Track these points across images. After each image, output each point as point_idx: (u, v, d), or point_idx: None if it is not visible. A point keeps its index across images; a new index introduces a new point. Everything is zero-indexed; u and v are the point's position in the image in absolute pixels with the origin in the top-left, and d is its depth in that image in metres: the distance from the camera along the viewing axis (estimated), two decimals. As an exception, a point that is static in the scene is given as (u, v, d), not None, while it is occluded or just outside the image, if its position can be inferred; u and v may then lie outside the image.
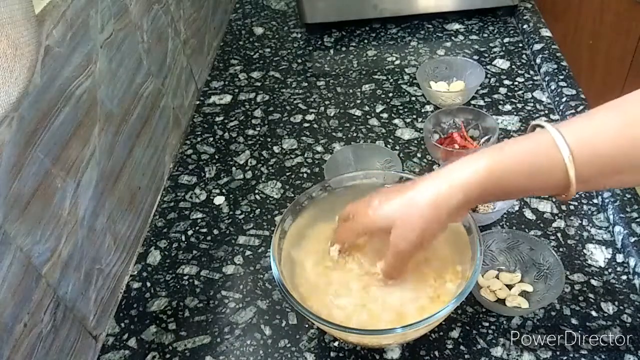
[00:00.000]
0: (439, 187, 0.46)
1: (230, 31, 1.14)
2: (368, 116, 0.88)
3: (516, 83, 0.91)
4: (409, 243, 0.48)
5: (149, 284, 0.67)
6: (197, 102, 0.95)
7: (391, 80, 0.95)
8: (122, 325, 0.63)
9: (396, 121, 0.86)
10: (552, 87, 0.86)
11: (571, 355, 0.55)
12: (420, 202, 0.46)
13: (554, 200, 0.70)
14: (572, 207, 0.69)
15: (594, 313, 0.58)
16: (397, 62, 1.00)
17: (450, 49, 1.01)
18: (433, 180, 0.47)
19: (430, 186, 0.46)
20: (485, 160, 0.44)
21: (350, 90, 0.94)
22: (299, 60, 1.04)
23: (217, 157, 0.84)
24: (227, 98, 0.96)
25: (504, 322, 0.58)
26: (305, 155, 0.82)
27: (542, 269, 0.59)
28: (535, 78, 0.91)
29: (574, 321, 0.57)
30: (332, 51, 1.05)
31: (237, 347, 0.59)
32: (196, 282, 0.66)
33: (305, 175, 0.79)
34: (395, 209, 0.48)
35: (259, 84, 0.98)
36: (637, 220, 0.63)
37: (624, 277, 0.61)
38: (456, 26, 1.07)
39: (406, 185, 0.49)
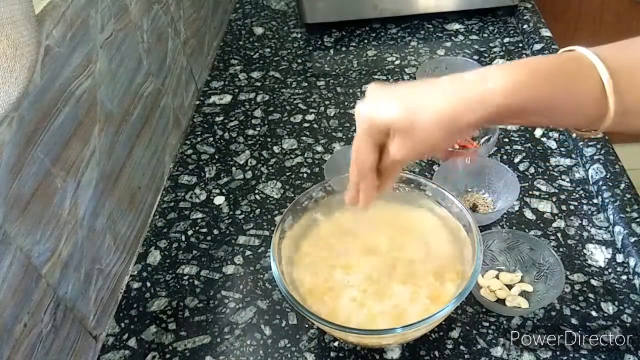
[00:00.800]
0: (459, 98, 0.38)
1: (230, 31, 1.14)
2: (368, 116, 0.88)
3: (516, 83, 0.91)
4: (410, 154, 0.41)
5: (149, 284, 0.67)
6: (197, 102, 0.95)
7: (391, 80, 0.95)
8: (122, 325, 0.63)
9: (396, 121, 0.86)
10: (552, 87, 0.86)
11: (571, 355, 0.55)
12: (434, 110, 0.38)
13: (554, 200, 0.70)
14: (572, 207, 0.69)
15: (594, 313, 0.58)
16: (397, 62, 1.00)
17: (450, 49, 1.01)
18: (451, 87, 0.39)
19: (448, 96, 0.38)
20: (513, 74, 0.36)
21: (350, 90, 0.94)
22: (299, 60, 1.04)
23: (217, 157, 0.84)
24: (227, 98, 0.96)
25: (504, 322, 0.58)
26: (305, 155, 0.82)
27: (542, 269, 0.59)
28: (535, 78, 0.91)
29: (574, 321, 0.57)
30: (332, 51, 1.05)
31: (237, 347, 0.59)
32: (196, 282, 0.66)
33: (305, 175, 0.79)
34: (403, 108, 0.40)
35: (259, 84, 0.98)
36: (637, 220, 0.63)
37: (624, 277, 0.61)
38: (456, 26, 1.07)
39: (416, 84, 0.41)
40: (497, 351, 0.56)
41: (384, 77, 0.96)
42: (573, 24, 1.46)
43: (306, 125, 0.88)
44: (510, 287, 0.60)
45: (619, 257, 0.63)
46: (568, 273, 0.61)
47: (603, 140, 0.74)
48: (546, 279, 0.59)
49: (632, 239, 0.62)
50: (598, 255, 0.63)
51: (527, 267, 0.61)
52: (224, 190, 0.78)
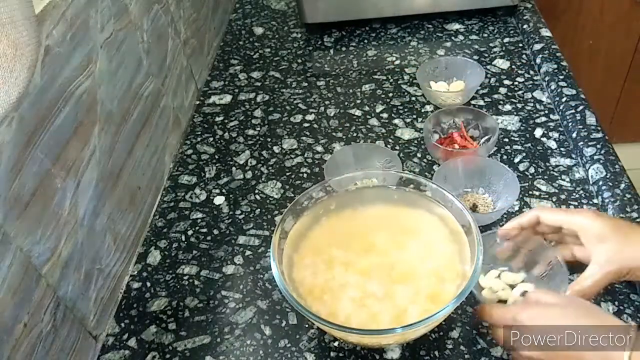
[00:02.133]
0: None
1: (230, 31, 1.14)
2: (368, 116, 0.88)
3: (516, 83, 0.91)
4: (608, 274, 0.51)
5: (149, 284, 0.67)
6: (197, 102, 0.95)
7: (391, 80, 0.95)
8: (122, 325, 0.63)
9: (396, 121, 0.86)
10: (552, 87, 0.86)
11: (571, 355, 0.55)
12: None
13: (554, 200, 0.70)
14: (572, 207, 0.69)
15: (594, 313, 0.58)
16: (397, 62, 1.00)
17: (450, 49, 1.01)
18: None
19: None
20: None
21: (350, 90, 0.94)
22: (299, 60, 1.04)
23: (217, 157, 0.84)
24: (227, 98, 0.95)
25: (504, 322, 0.58)
26: (305, 155, 0.82)
27: (545, 269, 0.59)
28: (535, 78, 0.91)
29: (574, 321, 0.57)
30: (332, 51, 1.05)
31: (237, 347, 0.59)
32: (196, 282, 0.66)
33: (305, 175, 0.79)
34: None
35: (259, 84, 0.98)
36: (637, 220, 0.63)
37: (624, 277, 0.61)
38: (456, 26, 1.07)
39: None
40: (497, 351, 0.56)
41: (384, 77, 0.96)
42: (573, 24, 1.46)
43: (306, 125, 0.88)
44: (512, 287, 0.60)
45: (619, 257, 0.63)
46: (569, 274, 0.61)
47: (603, 140, 0.74)
48: (549, 280, 0.58)
49: (632, 239, 0.61)
50: (598, 255, 0.63)
51: (530, 268, 0.61)
52: (224, 190, 0.78)
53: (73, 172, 0.56)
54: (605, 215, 0.57)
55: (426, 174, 0.76)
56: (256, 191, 0.77)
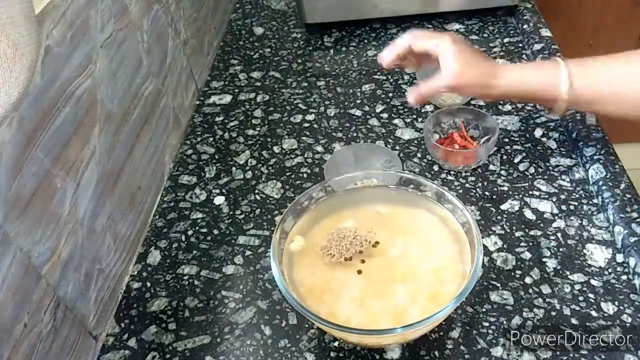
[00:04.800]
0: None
1: (230, 31, 1.14)
2: (368, 116, 0.88)
3: (516, 83, 0.91)
4: (449, 87, 0.67)
5: (149, 284, 0.67)
6: (197, 102, 0.95)
7: (391, 80, 0.95)
8: (122, 325, 0.63)
9: (396, 121, 0.86)
10: (552, 87, 0.86)
11: (571, 355, 0.55)
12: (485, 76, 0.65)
13: (554, 200, 0.70)
14: (572, 207, 0.69)
15: (594, 313, 0.58)
16: (397, 62, 0.99)
17: (450, 49, 1.01)
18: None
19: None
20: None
21: (350, 90, 0.94)
22: (299, 60, 1.04)
23: (217, 157, 0.84)
24: (227, 98, 0.96)
25: (504, 322, 0.58)
26: (305, 155, 0.82)
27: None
28: (535, 78, 0.91)
29: (574, 321, 0.57)
30: (332, 51, 1.05)
31: (237, 347, 0.59)
32: (196, 282, 0.66)
33: (305, 175, 0.79)
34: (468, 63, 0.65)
35: (259, 84, 0.98)
36: (637, 220, 0.63)
37: (624, 277, 0.61)
38: (456, 26, 1.07)
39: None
40: (497, 351, 0.56)
41: (384, 77, 0.96)
42: (573, 24, 1.46)
43: (306, 125, 0.88)
44: None
45: (619, 257, 0.63)
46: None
47: (603, 140, 0.74)
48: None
49: (632, 239, 0.62)
50: (598, 255, 0.63)
51: None
52: (224, 190, 0.78)
53: (73, 172, 0.56)
54: (463, 42, 0.67)
55: (426, 174, 0.76)
56: (256, 191, 0.77)
